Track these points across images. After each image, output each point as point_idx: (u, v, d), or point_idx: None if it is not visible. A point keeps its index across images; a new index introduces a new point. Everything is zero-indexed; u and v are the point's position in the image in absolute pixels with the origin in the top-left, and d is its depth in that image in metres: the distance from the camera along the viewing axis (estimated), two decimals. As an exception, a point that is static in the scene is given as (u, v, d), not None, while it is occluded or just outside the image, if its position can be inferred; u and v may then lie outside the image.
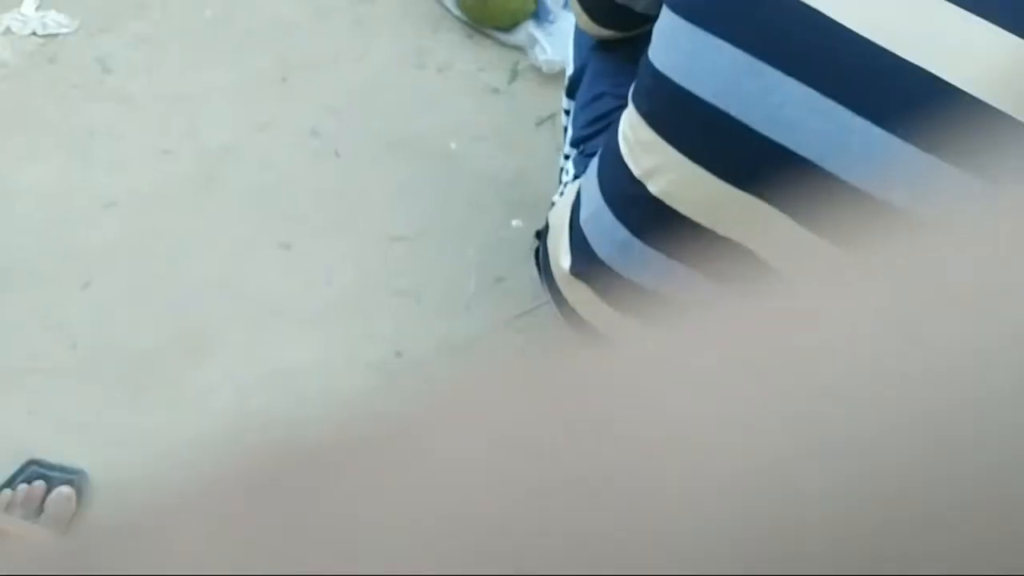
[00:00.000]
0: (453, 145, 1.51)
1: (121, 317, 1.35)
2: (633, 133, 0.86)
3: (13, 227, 1.40)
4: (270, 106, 1.52)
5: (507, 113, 1.55)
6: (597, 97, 1.12)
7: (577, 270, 0.98)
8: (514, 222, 1.44)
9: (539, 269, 1.12)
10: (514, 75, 1.58)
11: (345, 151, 1.49)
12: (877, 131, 0.73)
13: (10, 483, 1.21)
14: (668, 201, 0.85)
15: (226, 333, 1.34)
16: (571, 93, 1.19)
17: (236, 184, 1.46)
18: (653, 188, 0.85)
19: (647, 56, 0.83)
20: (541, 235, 1.11)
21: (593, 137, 1.10)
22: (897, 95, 0.73)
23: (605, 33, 1.09)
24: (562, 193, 1.11)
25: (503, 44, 1.60)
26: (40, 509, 1.18)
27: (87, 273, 1.37)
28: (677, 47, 0.80)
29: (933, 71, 0.71)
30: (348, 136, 1.50)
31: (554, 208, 1.09)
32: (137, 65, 1.55)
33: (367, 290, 1.39)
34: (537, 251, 1.14)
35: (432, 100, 1.55)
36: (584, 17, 1.08)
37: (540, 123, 1.54)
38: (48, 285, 1.36)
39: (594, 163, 0.97)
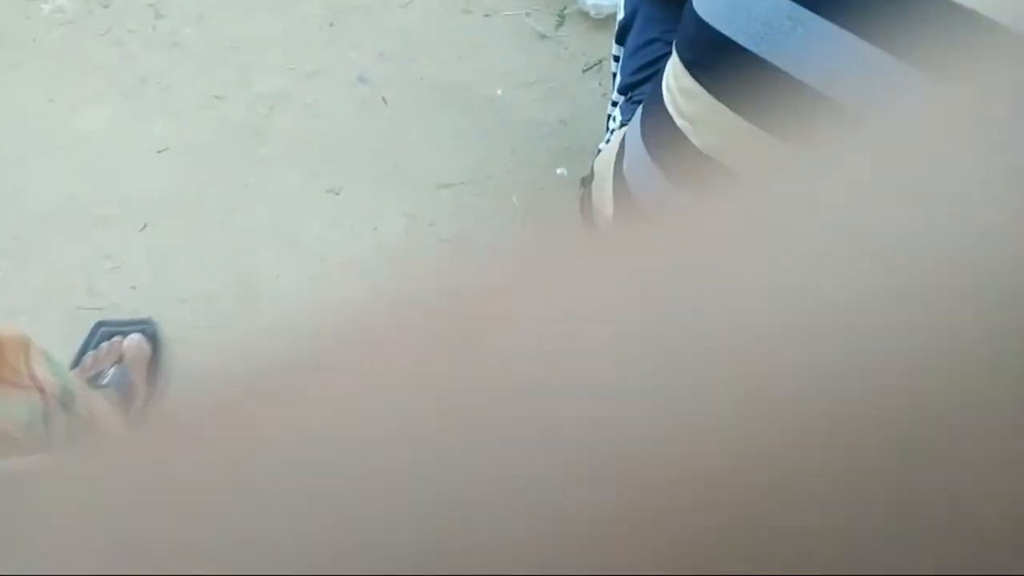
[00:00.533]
0: (499, 91, 1.50)
1: (176, 261, 1.38)
2: (676, 81, 0.85)
3: (70, 171, 1.44)
4: (319, 52, 1.53)
5: (554, 59, 1.53)
6: (647, 43, 1.11)
7: (620, 218, 0.98)
8: (559, 170, 1.44)
9: (583, 217, 1.12)
10: (561, 21, 1.57)
11: (392, 98, 1.50)
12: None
13: (86, 348, 1.28)
14: (708, 151, 0.84)
15: (275, 277, 1.37)
16: (621, 39, 1.17)
17: (286, 130, 1.47)
18: (695, 138, 0.85)
19: (690, 3, 0.82)
20: (586, 182, 1.11)
21: (642, 84, 1.09)
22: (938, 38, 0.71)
23: (655, -22, 1.08)
24: (608, 140, 1.10)
25: (551, -12, 1.58)
26: (121, 358, 1.25)
27: (142, 217, 1.41)
28: (721, -6, 0.78)
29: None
30: (395, 83, 1.51)
31: (600, 155, 1.08)
32: (189, 11, 1.56)
33: (413, 237, 1.40)
34: (582, 199, 1.14)
35: (478, 46, 1.54)
36: (635, -38, 1.06)
37: (587, 70, 1.52)
38: (106, 228, 1.40)
39: (639, 111, 0.96)
